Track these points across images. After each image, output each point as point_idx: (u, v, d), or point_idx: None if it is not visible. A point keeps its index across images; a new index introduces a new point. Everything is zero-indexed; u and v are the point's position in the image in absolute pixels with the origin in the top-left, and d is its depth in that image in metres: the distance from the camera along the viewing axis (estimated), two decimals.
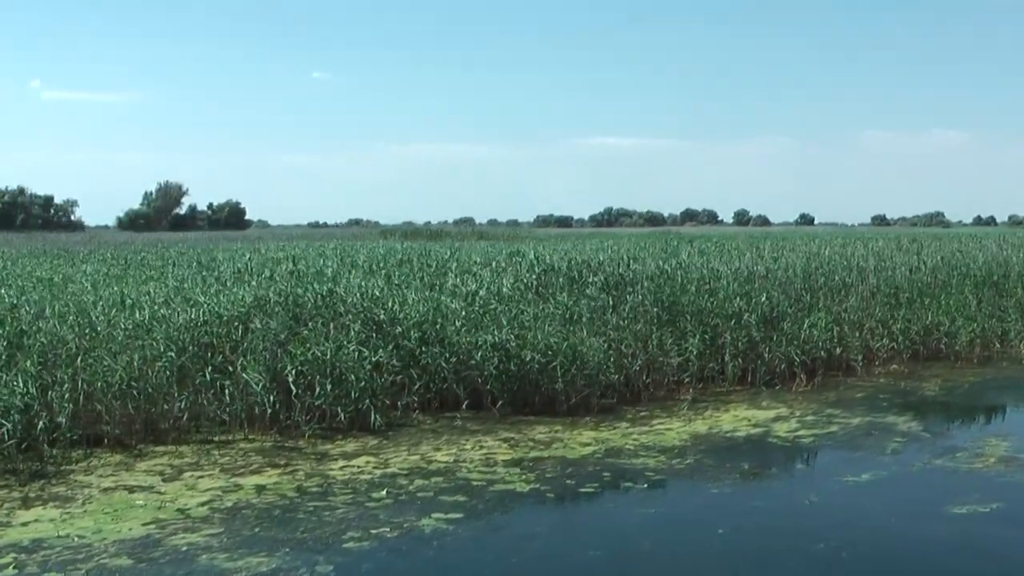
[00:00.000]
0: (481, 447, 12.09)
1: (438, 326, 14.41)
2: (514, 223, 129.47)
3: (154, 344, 12.88)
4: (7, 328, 12.90)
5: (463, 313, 14.86)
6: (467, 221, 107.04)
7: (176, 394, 12.46)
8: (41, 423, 11.43)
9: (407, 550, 8.58)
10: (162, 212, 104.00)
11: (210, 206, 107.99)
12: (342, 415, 12.76)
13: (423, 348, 13.97)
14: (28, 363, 11.95)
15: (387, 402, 13.40)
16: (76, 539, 8.84)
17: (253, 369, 12.72)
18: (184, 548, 8.57)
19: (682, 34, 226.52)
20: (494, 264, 20.45)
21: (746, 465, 11.36)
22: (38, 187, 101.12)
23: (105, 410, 12.18)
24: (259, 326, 13.59)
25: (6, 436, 11.04)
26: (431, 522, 9.25)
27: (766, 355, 16.15)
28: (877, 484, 10.54)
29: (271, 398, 12.60)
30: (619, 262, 19.80)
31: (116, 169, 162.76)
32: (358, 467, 11.16)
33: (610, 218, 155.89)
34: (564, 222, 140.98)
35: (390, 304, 14.79)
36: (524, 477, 10.72)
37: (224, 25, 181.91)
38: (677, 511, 9.81)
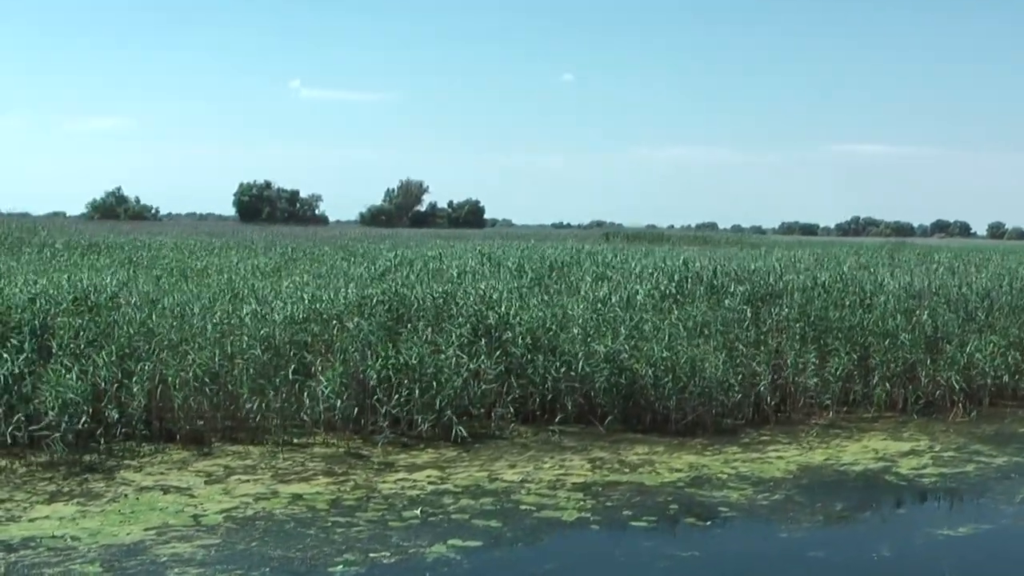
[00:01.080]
0: (560, 466, 11.13)
1: (551, 333, 13.44)
2: (757, 229, 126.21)
3: (243, 340, 12.39)
4: (101, 317, 12.69)
5: (580, 320, 13.83)
6: (709, 226, 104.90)
7: (261, 392, 11.94)
8: (111, 415, 11.26)
9: None
10: (403, 209, 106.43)
11: (450, 204, 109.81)
12: (424, 424, 11.95)
13: (531, 356, 13.01)
14: (104, 354, 11.68)
15: (481, 412, 12.50)
16: (68, 540, 8.47)
17: (333, 371, 12.07)
18: (163, 559, 8.09)
19: (952, 29, 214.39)
20: (639, 269, 19.30)
21: (839, 506, 10.01)
22: (285, 182, 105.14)
23: (179, 405, 11.75)
24: (352, 326, 12.93)
25: (64, 427, 10.70)
26: (441, 549, 8.44)
27: (922, 379, 14.44)
28: (973, 539, 9.07)
29: (348, 402, 11.92)
30: (770, 272, 18.27)
31: (361, 166, 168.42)
32: (413, 481, 10.41)
33: (857, 227, 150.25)
34: (809, 230, 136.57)
35: (505, 308, 13.88)
36: (580, 504, 9.73)
37: (479, 27, 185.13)
38: (718, 555, 8.59)
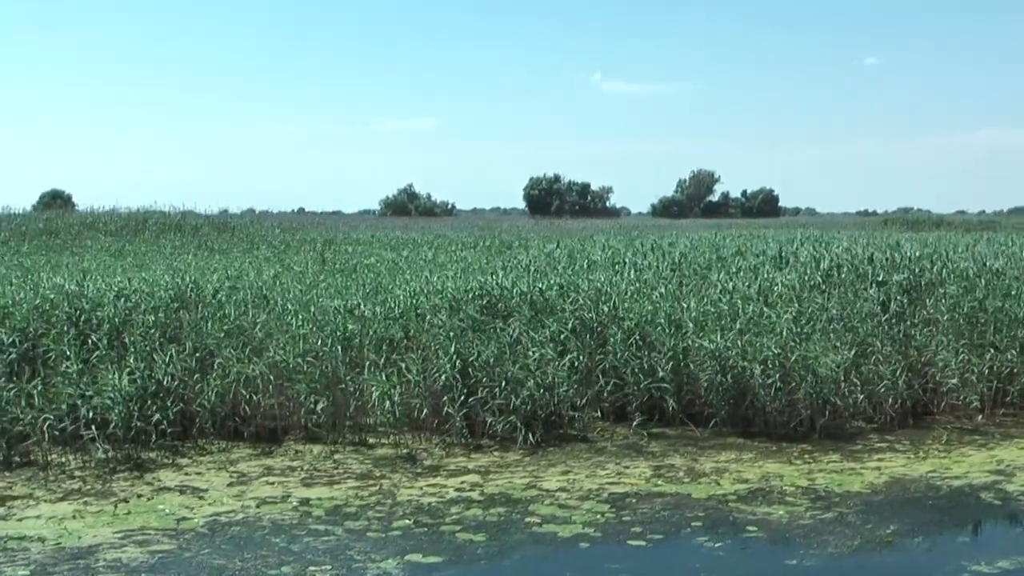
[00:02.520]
0: (616, 474, 10.29)
1: (658, 328, 12.48)
2: None
3: (321, 336, 12.14)
4: (188, 314, 12.74)
5: (694, 314, 12.78)
6: (1020, 211, 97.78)
7: (334, 390, 11.68)
8: (170, 413, 11.23)
9: None
10: (694, 199, 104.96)
11: (743, 193, 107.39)
12: (496, 426, 11.32)
13: (634, 353, 12.10)
14: (174, 349, 11.69)
15: (571, 413, 11.73)
16: (37, 539, 8.35)
17: (410, 366, 11.64)
18: (99, 564, 7.81)
19: None
20: (784, 255, 17.75)
21: (890, 528, 8.71)
22: (576, 175, 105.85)
23: (248, 403, 11.61)
24: (439, 322, 12.43)
25: (118, 422, 10.77)
26: (389, 565, 7.85)
27: None
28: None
29: (415, 402, 11.47)
30: (930, 258, 16.35)
31: (653, 158, 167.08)
32: (440, 488, 9.82)
33: None
34: None
35: (615, 302, 13.02)
36: (592, 518, 8.92)
37: (777, 15, 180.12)
38: None
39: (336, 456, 11.02)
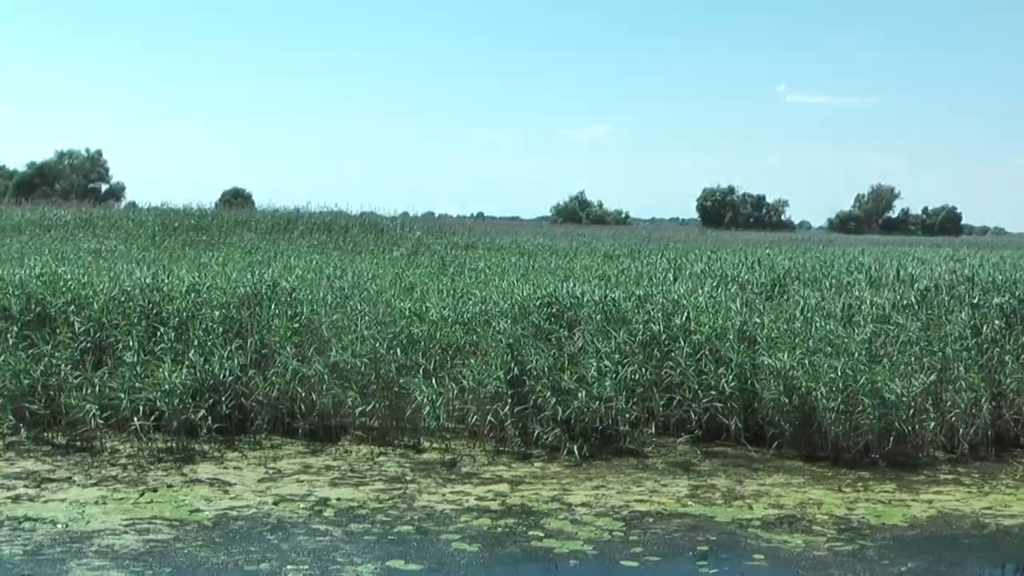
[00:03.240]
0: (650, 492, 10.01)
1: (727, 343, 12.13)
2: None
3: (390, 338, 12.19)
4: (259, 309, 12.95)
5: (764, 331, 12.37)
6: None
7: (388, 392, 11.79)
8: (223, 407, 11.51)
9: None
10: (872, 214, 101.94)
11: (924, 210, 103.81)
12: (543, 435, 11.19)
13: (697, 368, 11.81)
14: (234, 345, 11.93)
15: (624, 426, 11.50)
16: (48, 522, 8.62)
17: (472, 369, 11.63)
18: (90, 550, 8.01)
19: None
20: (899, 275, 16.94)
21: (908, 564, 8.23)
22: (751, 187, 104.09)
23: (302, 400, 11.75)
24: (501, 328, 12.35)
25: (170, 414, 11.04)
26: (368, 569, 7.77)
27: None
28: None
29: (468, 408, 11.46)
30: None
31: (832, 171, 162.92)
32: (461, 495, 9.75)
33: None
34: None
35: (686, 316, 12.71)
36: (597, 535, 8.71)
37: (971, 28, 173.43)
38: None
39: (380, 458, 11.02)
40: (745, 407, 11.76)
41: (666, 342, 12.36)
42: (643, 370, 11.87)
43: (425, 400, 11.16)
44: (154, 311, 12.53)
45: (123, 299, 12.66)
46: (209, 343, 11.93)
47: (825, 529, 8.91)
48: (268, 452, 11.13)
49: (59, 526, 8.49)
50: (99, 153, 75.57)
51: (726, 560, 8.19)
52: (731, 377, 11.78)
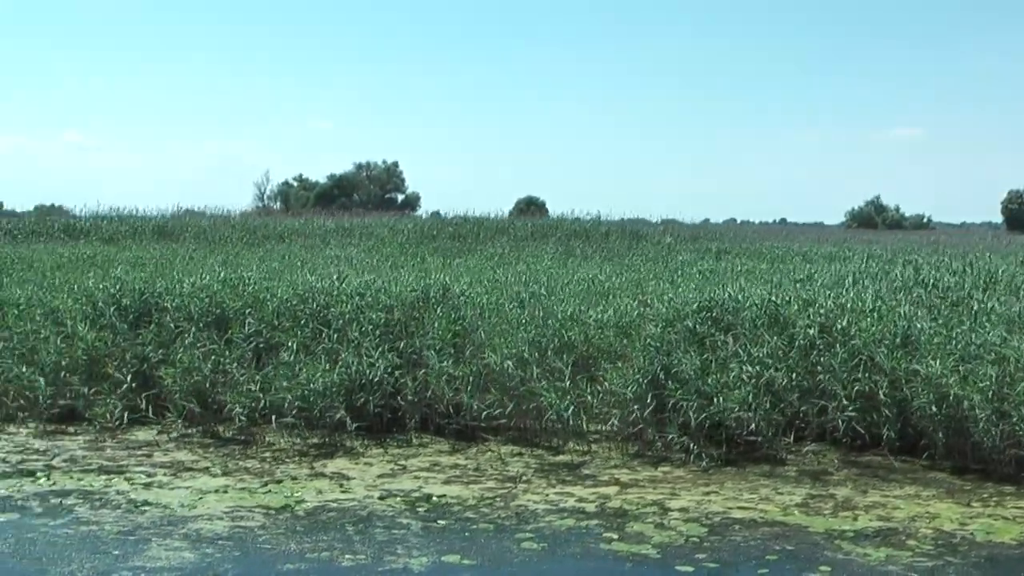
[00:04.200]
0: (763, 500, 9.81)
1: (883, 350, 11.67)
2: None
3: (544, 341, 12.45)
4: (416, 312, 13.41)
5: (924, 336, 11.81)
6: None
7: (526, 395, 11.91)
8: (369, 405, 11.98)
9: None
10: None
11: None
12: (677, 440, 11.16)
13: (851, 374, 11.42)
14: (387, 346, 12.44)
15: (769, 433, 11.30)
16: (160, 506, 9.32)
17: (592, 381, 11.71)
18: (177, 531, 8.57)
19: None
20: None
21: None
22: None
23: (448, 400, 12.14)
24: (652, 331, 12.36)
25: (315, 413, 11.65)
26: (419, 563, 8.01)
27: None
28: None
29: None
30: None
31: None
32: (563, 496, 9.90)
33: None
34: None
35: (848, 320, 12.31)
36: (673, 540, 8.60)
37: None
38: None
39: (513, 459, 11.24)
40: (898, 416, 11.18)
41: (822, 347, 11.90)
42: (792, 376, 11.49)
43: (564, 403, 11.18)
44: (321, 313, 13.12)
45: (295, 302, 13.31)
46: (366, 344, 12.37)
47: (919, 544, 8.43)
48: (408, 450, 11.50)
49: (167, 510, 9.11)
50: (395, 164, 79.32)
51: (787, 570, 7.89)
52: (885, 384, 11.22)
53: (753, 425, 11.18)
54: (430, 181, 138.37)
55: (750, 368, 11.54)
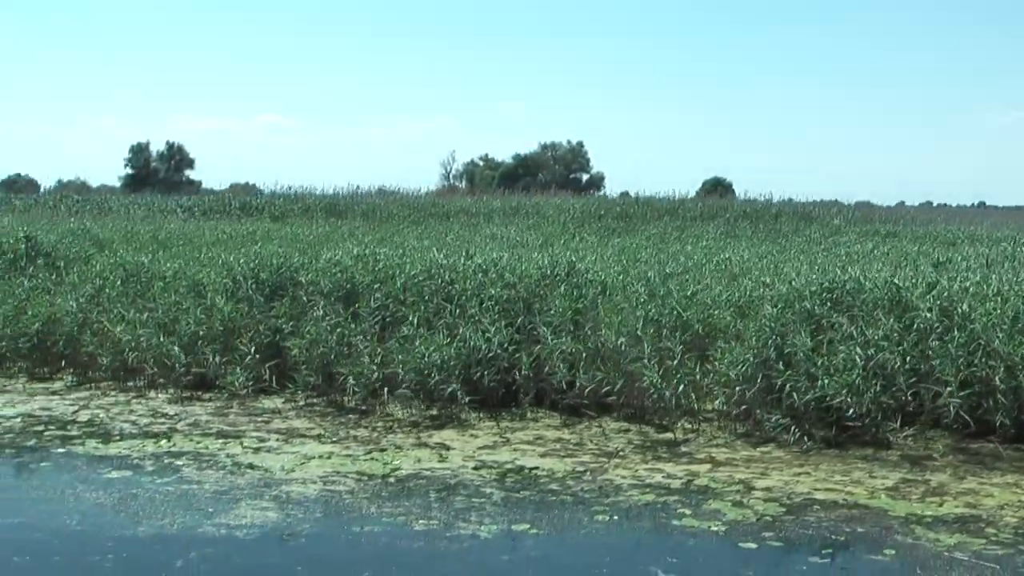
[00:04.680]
0: (853, 483, 9.73)
1: (1001, 334, 11.38)
2: None
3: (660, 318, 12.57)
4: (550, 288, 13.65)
5: None
6: None
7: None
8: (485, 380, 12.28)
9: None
10: None
11: None
12: (779, 421, 11.15)
13: (967, 358, 11.18)
14: (521, 321, 12.73)
15: (877, 417, 11.18)
16: (261, 468, 9.88)
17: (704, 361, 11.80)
18: (268, 492, 9.07)
19: None
20: None
21: None
22: None
23: (563, 377, 12.37)
24: (769, 312, 12.34)
25: (431, 385, 12.05)
26: (487, 530, 8.28)
27: None
28: None
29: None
30: None
31: None
32: (653, 472, 10.02)
33: None
34: None
35: (969, 303, 12.03)
36: (742, 518, 8.65)
37: None
38: None
39: (619, 435, 11.36)
40: (1014, 404, 10.86)
41: (940, 331, 11.63)
42: (905, 359, 11.27)
43: (672, 381, 11.27)
44: (445, 289, 13.50)
45: (422, 278, 13.73)
46: (484, 320, 12.68)
47: (998, 532, 8.25)
48: (518, 424, 11.77)
49: (266, 473, 9.63)
50: (580, 144, 79.60)
51: (851, 552, 7.85)
52: (1001, 370, 10.92)
53: (861, 408, 10.96)
54: (617, 162, 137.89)
55: (860, 351, 11.33)
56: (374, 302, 13.36)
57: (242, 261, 14.72)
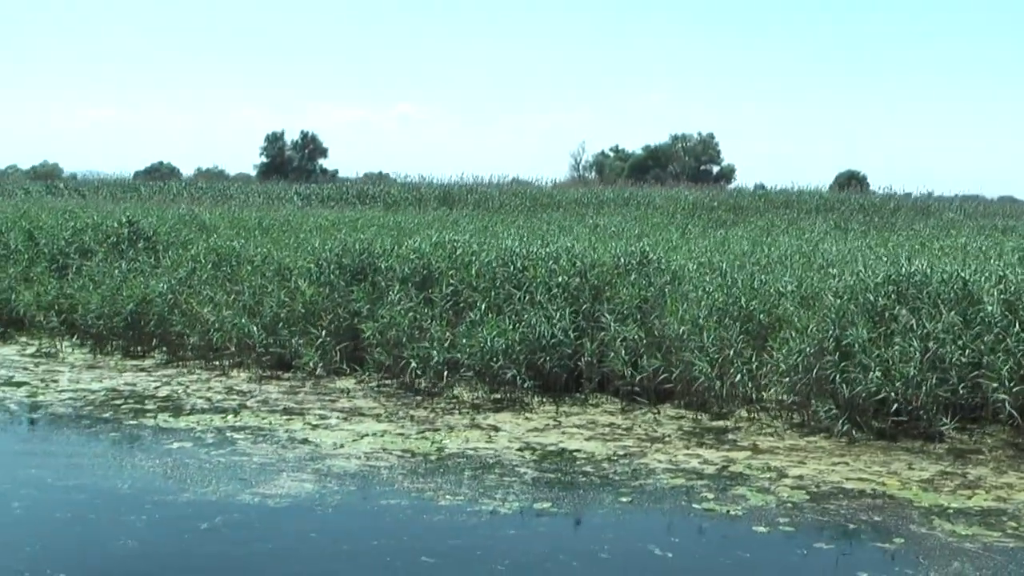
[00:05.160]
0: (888, 474, 9.80)
1: None
2: None
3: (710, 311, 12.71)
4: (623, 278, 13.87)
5: None
6: None
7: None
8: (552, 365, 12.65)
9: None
10: None
11: None
12: (828, 412, 11.21)
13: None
14: (550, 303, 13.05)
15: (932, 410, 11.17)
16: (312, 443, 10.37)
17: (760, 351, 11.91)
18: (315, 463, 9.54)
19: None
20: None
21: None
22: None
23: (623, 364, 12.61)
24: (831, 304, 12.40)
25: (494, 369, 12.44)
26: (509, 507, 8.62)
27: None
28: None
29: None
30: None
31: None
32: (691, 458, 10.22)
33: None
34: None
35: None
36: (760, 504, 8.81)
37: None
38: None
39: (672, 423, 11.54)
40: None
41: (1004, 325, 11.52)
42: (964, 353, 11.21)
43: (730, 370, 11.43)
44: (516, 276, 13.82)
45: (496, 264, 14.08)
46: (550, 306, 12.97)
47: (1018, 526, 8.23)
48: (576, 408, 12.05)
49: (316, 448, 10.11)
50: (711, 136, 78.94)
51: (860, 539, 7.95)
52: None
53: (916, 401, 10.94)
54: (749, 154, 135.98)
55: (916, 343, 11.29)
56: (447, 287, 13.69)
57: (327, 247, 15.22)
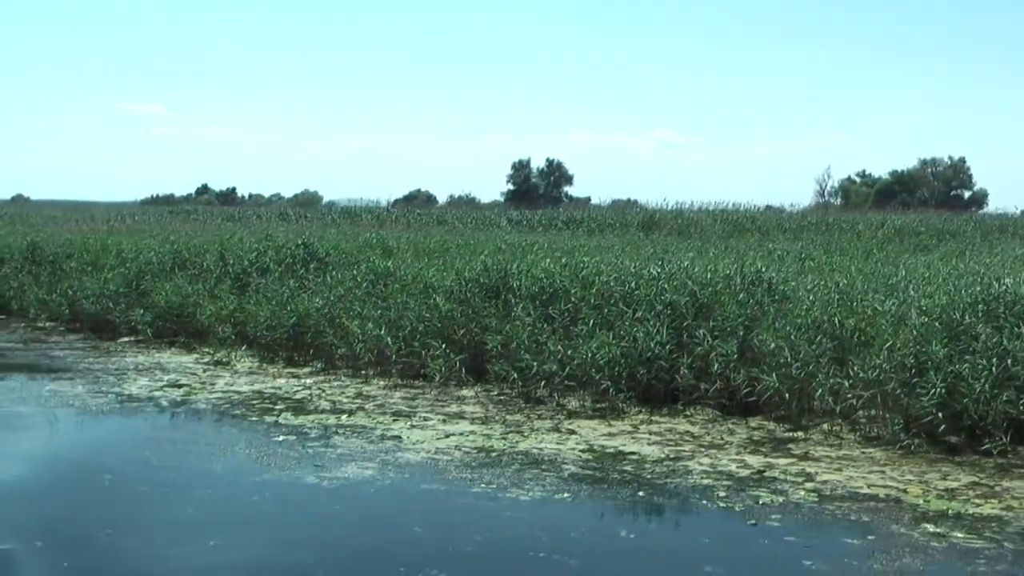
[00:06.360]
0: (921, 482, 10.20)
1: None
2: None
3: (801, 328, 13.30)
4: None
5: None
6: None
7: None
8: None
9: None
10: None
11: None
12: (892, 424, 11.71)
13: None
14: (652, 319, 13.96)
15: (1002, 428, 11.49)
16: (385, 438, 11.67)
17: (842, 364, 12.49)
18: (381, 455, 10.87)
19: None
20: None
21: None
22: None
23: (715, 376, 13.37)
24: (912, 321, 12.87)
25: (593, 380, 13.44)
26: (519, 494, 9.67)
27: None
28: None
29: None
30: None
31: None
32: (724, 462, 10.84)
33: None
34: None
35: None
36: (773, 500, 9.53)
37: None
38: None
39: (744, 430, 12.24)
40: None
41: None
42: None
43: (814, 384, 12.05)
44: (630, 294, 14.78)
45: (613, 283, 15.08)
46: (651, 322, 13.88)
47: (1007, 536, 8.58)
48: (663, 418, 12.85)
49: (398, 443, 11.38)
50: (962, 160, 76.13)
51: (830, 535, 8.54)
52: None
53: (987, 418, 11.25)
54: (1004, 178, 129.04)
55: (996, 360, 11.55)
56: (566, 304, 14.77)
57: (469, 267, 16.55)
